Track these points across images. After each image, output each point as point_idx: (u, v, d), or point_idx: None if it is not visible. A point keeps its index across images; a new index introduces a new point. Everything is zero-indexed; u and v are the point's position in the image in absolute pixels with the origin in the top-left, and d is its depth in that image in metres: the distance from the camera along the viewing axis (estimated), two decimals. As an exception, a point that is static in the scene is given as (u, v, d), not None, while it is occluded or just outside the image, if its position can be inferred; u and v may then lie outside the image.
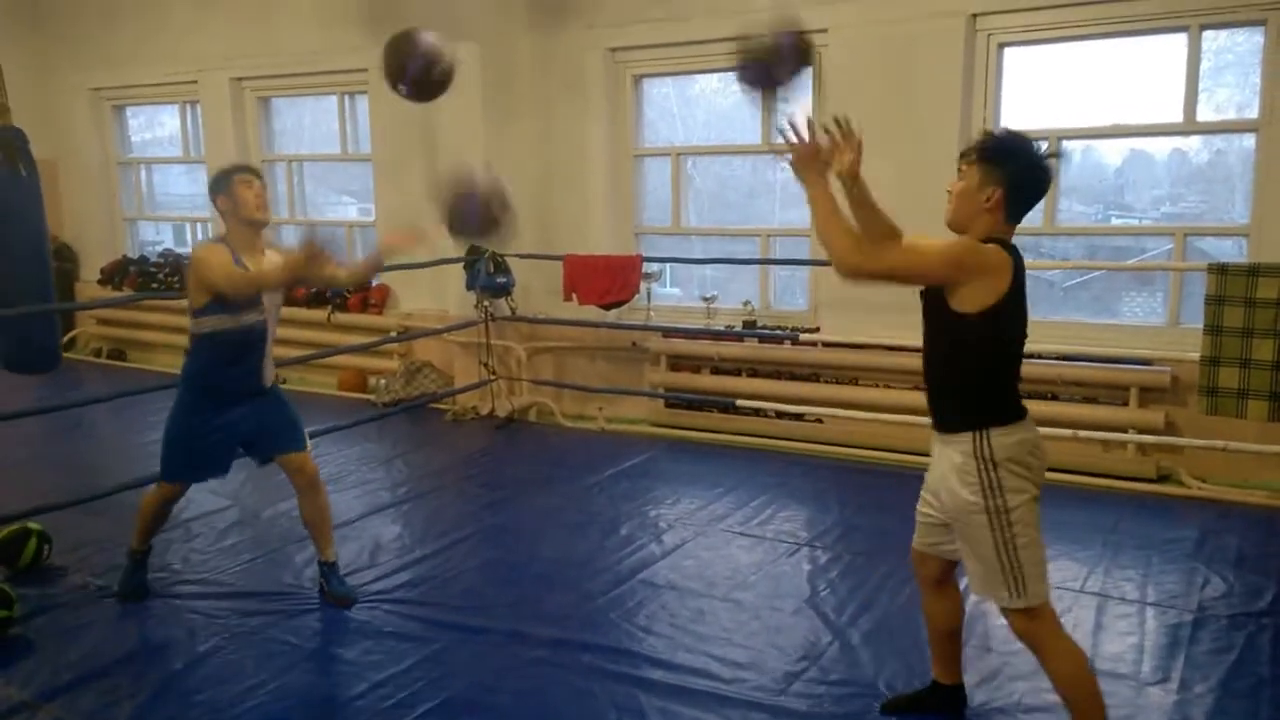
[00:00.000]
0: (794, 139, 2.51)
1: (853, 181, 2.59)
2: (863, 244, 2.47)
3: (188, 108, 8.97)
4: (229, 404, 3.72)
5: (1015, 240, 2.53)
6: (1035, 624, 2.55)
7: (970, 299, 2.42)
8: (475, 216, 3.47)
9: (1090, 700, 2.57)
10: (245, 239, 3.66)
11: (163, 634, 3.66)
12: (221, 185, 3.66)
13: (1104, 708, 2.58)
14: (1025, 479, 2.49)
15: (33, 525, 4.27)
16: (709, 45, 6.31)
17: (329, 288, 3.45)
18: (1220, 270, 4.77)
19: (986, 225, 2.47)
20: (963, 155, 2.53)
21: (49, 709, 3.14)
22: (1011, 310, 2.47)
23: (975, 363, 2.51)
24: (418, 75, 3.64)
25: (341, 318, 7.82)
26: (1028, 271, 2.54)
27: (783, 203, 6.79)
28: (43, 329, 4.42)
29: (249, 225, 3.66)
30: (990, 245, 2.45)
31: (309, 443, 3.96)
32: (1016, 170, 2.44)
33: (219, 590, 4.03)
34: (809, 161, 2.50)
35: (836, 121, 2.55)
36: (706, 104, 7.09)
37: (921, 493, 2.80)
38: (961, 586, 2.91)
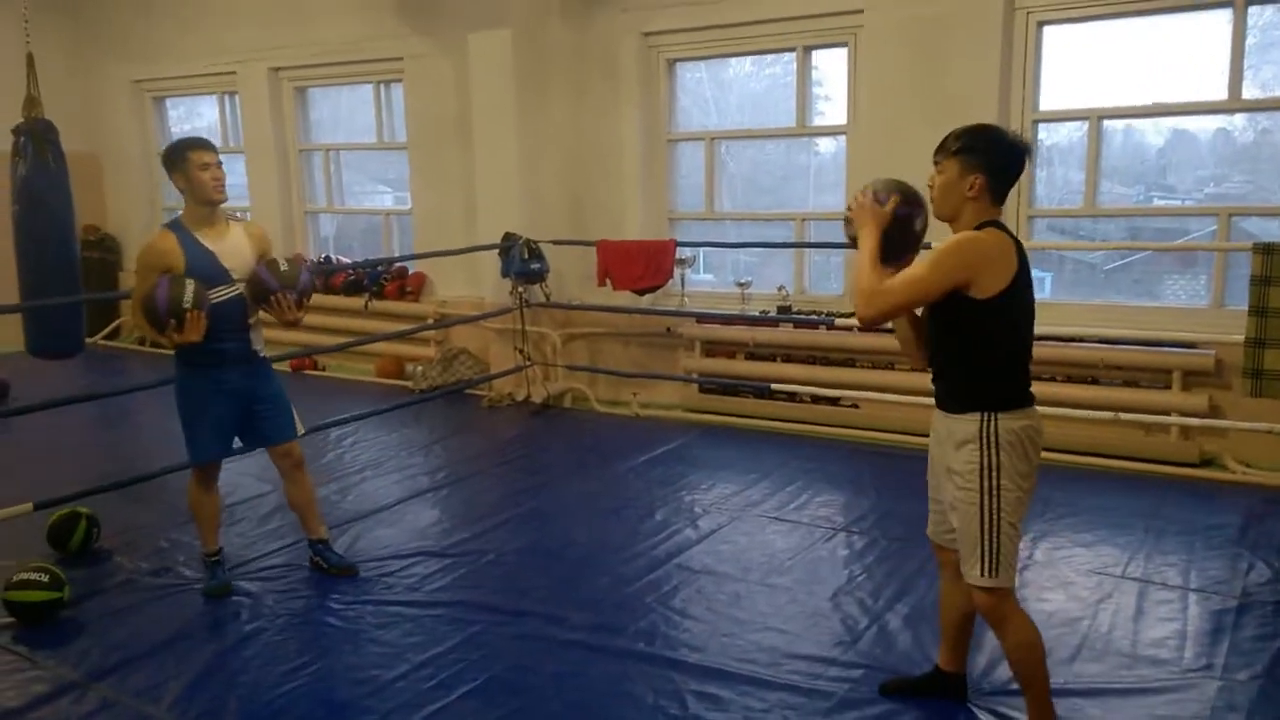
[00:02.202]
0: (860, 198, 2.66)
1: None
2: (873, 296, 2.53)
3: (226, 99, 9.08)
4: (224, 367, 3.76)
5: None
6: (999, 602, 2.63)
7: (986, 287, 2.49)
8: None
9: (1039, 672, 2.69)
10: (202, 216, 3.71)
11: (208, 616, 3.74)
12: (177, 163, 3.66)
13: (1048, 680, 2.71)
14: (1023, 466, 2.57)
15: (82, 509, 4.38)
16: (743, 28, 6.29)
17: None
18: (1266, 250, 4.68)
19: (975, 211, 2.56)
20: (937, 153, 2.62)
21: (99, 688, 3.22)
22: (1021, 291, 2.53)
23: (990, 347, 2.56)
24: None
25: (379, 305, 7.90)
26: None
27: (817, 186, 6.74)
28: (66, 315, 4.49)
29: (206, 204, 3.70)
30: (985, 231, 2.52)
31: (300, 426, 4.03)
32: (994, 155, 2.55)
33: (263, 573, 4.11)
34: (867, 215, 2.63)
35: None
36: (740, 88, 7.05)
37: (927, 476, 2.83)
38: None
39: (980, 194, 2.55)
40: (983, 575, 2.58)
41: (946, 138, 2.60)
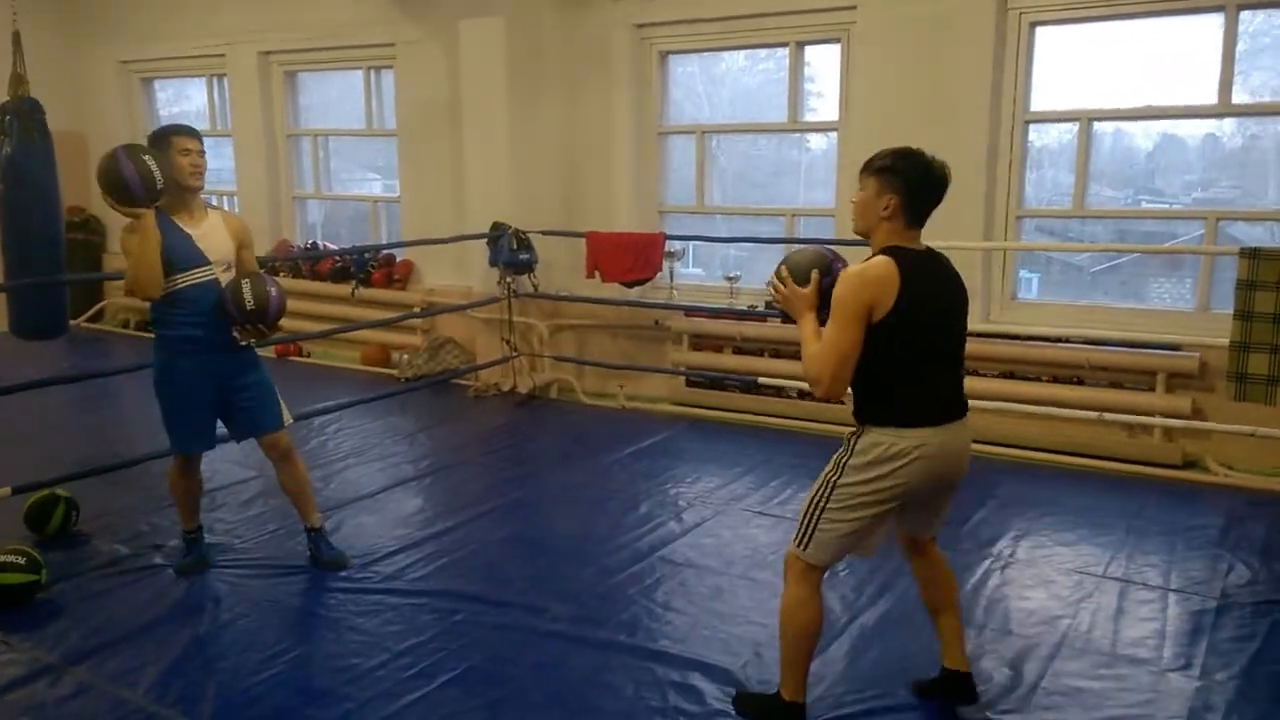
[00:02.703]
0: (781, 290, 2.77)
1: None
2: (820, 376, 2.60)
3: (215, 81, 9.01)
4: (205, 352, 3.72)
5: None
6: (801, 572, 2.76)
7: (876, 312, 2.55)
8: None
9: (789, 642, 2.79)
10: (179, 200, 3.69)
11: (187, 601, 3.71)
12: (160, 146, 3.65)
13: (806, 657, 2.81)
14: (879, 483, 2.63)
15: (61, 492, 4.34)
16: (736, 22, 6.27)
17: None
18: (1252, 255, 4.70)
19: (887, 230, 2.64)
20: (862, 170, 2.69)
21: (76, 672, 3.20)
22: (906, 317, 2.55)
23: (874, 365, 2.60)
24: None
25: (366, 292, 7.85)
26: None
27: (808, 182, 6.74)
28: (50, 296, 4.45)
29: (184, 190, 3.68)
30: (875, 261, 2.59)
31: (287, 415, 3.98)
32: (909, 178, 2.60)
33: (243, 559, 4.08)
34: (801, 303, 2.73)
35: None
36: (732, 82, 7.04)
37: None
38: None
39: (894, 215, 2.61)
40: (795, 544, 2.75)
41: (874, 156, 2.67)
